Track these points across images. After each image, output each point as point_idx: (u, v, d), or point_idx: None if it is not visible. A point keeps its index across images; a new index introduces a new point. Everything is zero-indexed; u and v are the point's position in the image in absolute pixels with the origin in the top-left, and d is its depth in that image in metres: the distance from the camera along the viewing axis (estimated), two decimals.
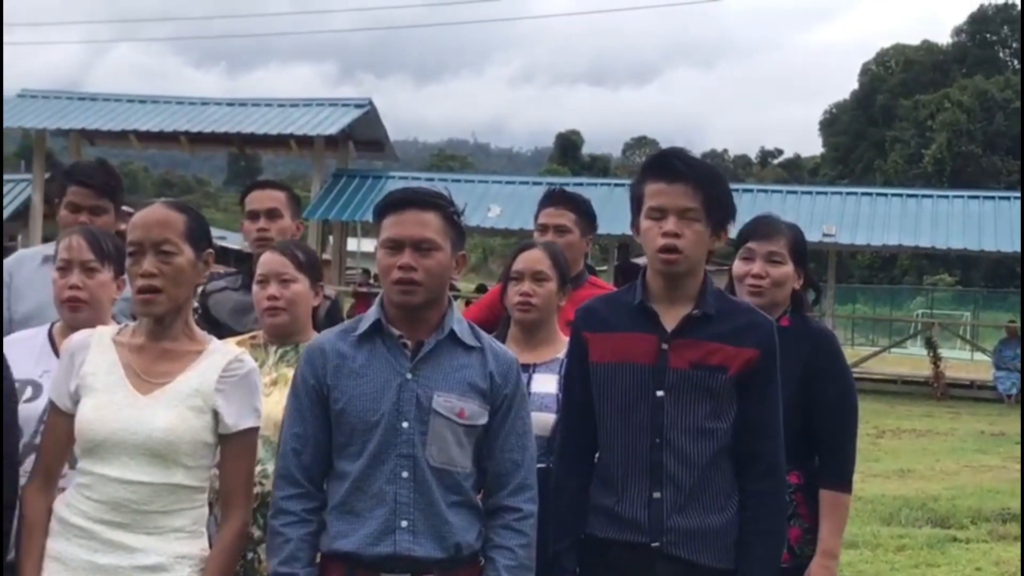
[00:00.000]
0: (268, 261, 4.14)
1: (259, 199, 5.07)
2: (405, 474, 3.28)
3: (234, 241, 32.75)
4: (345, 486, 3.32)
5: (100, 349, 3.37)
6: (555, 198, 5.11)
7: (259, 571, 3.72)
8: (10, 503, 3.28)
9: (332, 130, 25.55)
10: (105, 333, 3.43)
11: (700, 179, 3.50)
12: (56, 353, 3.74)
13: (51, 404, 3.42)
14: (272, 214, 5.00)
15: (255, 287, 4.15)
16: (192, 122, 26.33)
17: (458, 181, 26.64)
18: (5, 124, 27.13)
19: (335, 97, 30.38)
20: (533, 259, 4.38)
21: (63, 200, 4.75)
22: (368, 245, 38.85)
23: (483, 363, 3.40)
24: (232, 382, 3.33)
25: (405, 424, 3.30)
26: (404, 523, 3.27)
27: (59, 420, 3.38)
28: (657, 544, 3.50)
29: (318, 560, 3.35)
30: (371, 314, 3.42)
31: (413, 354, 3.36)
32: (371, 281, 27.22)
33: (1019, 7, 65.44)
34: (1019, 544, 9.13)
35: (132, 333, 3.40)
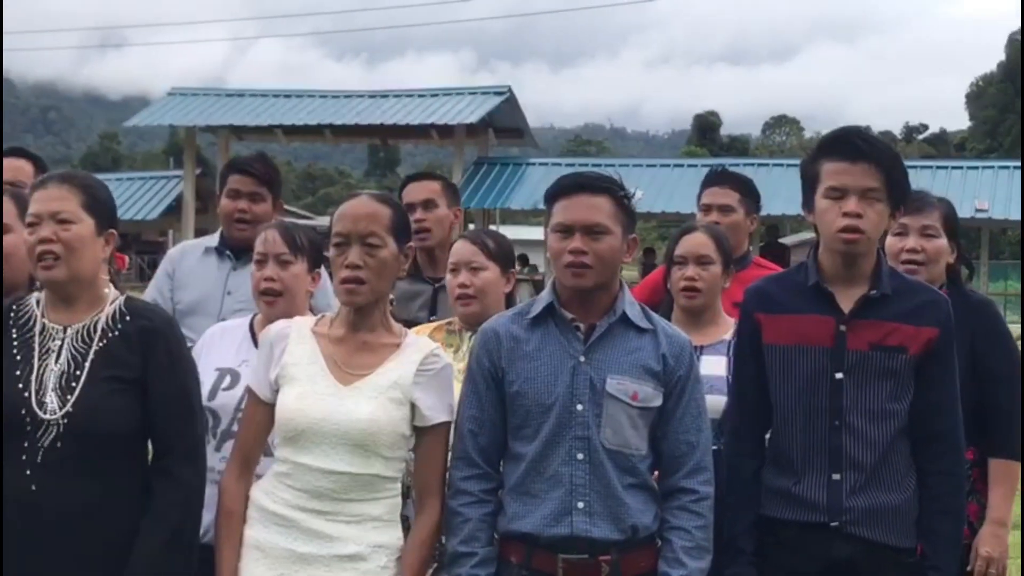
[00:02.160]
0: (459, 250, 4.19)
1: (414, 191, 5.14)
2: (580, 456, 3.30)
3: None
4: (521, 468, 3.35)
5: (299, 339, 3.40)
6: (719, 177, 5.07)
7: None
8: (200, 488, 3.35)
9: (473, 118, 25.63)
10: (304, 324, 3.46)
11: (881, 159, 3.46)
12: (255, 344, 3.83)
13: (250, 393, 3.47)
14: (428, 205, 5.06)
15: (448, 275, 4.21)
16: (336, 115, 26.65)
17: (598, 166, 26.53)
18: (157, 122, 27.97)
19: (474, 86, 30.45)
20: (697, 243, 4.32)
21: (224, 189, 4.88)
22: (510, 232, 39.01)
23: (656, 345, 3.40)
24: (429, 376, 3.36)
25: (580, 407, 3.32)
26: (580, 504, 3.29)
27: (258, 409, 3.43)
28: (836, 523, 3.48)
29: (496, 540, 3.39)
30: (544, 297, 3.45)
31: (586, 337, 3.37)
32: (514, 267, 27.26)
33: None
34: None
35: (330, 324, 3.44)
